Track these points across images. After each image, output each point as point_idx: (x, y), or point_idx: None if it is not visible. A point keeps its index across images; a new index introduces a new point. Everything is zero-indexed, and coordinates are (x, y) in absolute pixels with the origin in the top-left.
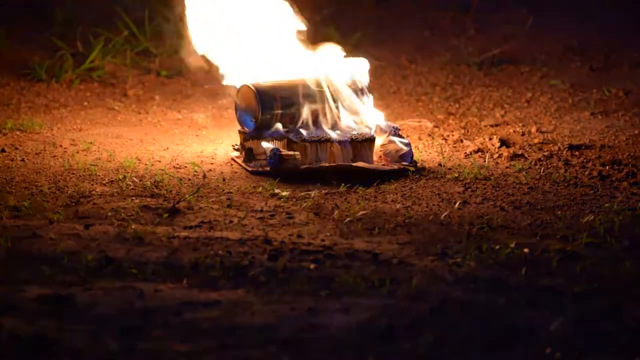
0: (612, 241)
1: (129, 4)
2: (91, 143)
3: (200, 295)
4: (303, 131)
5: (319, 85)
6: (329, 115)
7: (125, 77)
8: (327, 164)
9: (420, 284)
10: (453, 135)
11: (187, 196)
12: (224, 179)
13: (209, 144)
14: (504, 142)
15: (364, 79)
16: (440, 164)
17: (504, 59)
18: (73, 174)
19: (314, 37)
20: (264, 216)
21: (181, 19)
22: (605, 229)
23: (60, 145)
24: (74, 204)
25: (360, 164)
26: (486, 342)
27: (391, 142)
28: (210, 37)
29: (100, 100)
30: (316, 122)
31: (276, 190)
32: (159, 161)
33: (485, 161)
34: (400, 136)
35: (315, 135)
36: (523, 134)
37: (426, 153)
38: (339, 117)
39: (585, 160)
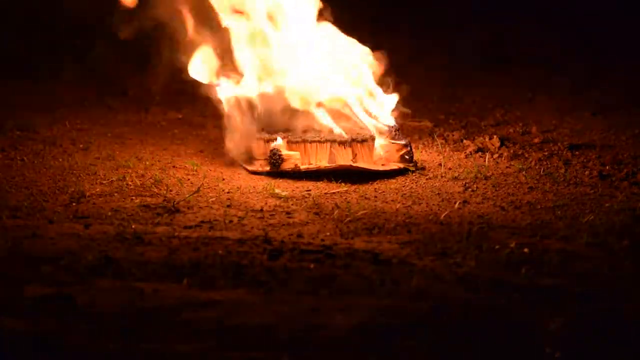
0: (612, 241)
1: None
2: (91, 143)
3: (200, 295)
4: (303, 131)
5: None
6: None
7: (125, 77)
8: (327, 164)
9: (420, 284)
10: (453, 135)
11: (187, 196)
12: (223, 179)
13: (209, 144)
14: (504, 142)
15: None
16: (440, 164)
17: (505, 59)
18: (73, 174)
19: None
20: (263, 216)
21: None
22: (605, 229)
23: (60, 145)
24: (74, 203)
25: (360, 164)
26: (486, 342)
27: (391, 142)
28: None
29: (100, 100)
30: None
31: (276, 190)
32: (159, 161)
33: (485, 161)
34: (400, 136)
35: (316, 135)
36: (523, 134)
37: (426, 153)
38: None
39: (585, 160)
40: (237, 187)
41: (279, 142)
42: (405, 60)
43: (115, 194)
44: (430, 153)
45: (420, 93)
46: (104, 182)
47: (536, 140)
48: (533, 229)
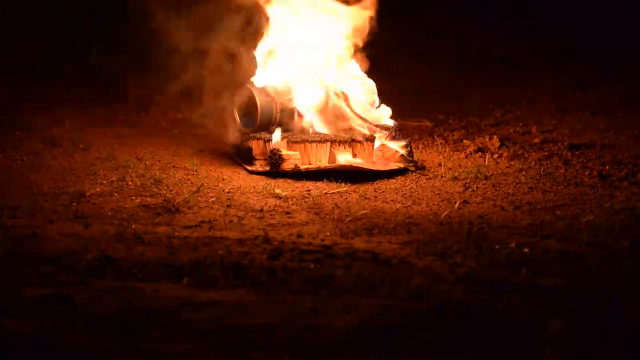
0: (612, 241)
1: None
2: (91, 143)
3: (200, 295)
4: (303, 131)
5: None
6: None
7: (125, 77)
8: (327, 164)
9: (420, 284)
10: (453, 135)
11: (187, 196)
12: (223, 179)
13: (208, 144)
14: (504, 142)
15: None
16: (440, 164)
17: (505, 59)
18: (73, 174)
19: None
20: (263, 216)
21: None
22: (605, 229)
23: (60, 145)
24: (74, 203)
25: (360, 164)
26: (485, 342)
27: (391, 142)
28: None
29: (100, 100)
30: (316, 121)
31: (276, 190)
32: (159, 161)
33: (485, 161)
34: (400, 136)
35: (316, 135)
36: (523, 134)
37: (426, 153)
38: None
39: (585, 160)
40: (237, 187)
41: (276, 137)
42: (405, 61)
43: (115, 194)
44: (430, 153)
45: (420, 93)
46: (104, 182)
47: (536, 140)
48: (533, 229)
